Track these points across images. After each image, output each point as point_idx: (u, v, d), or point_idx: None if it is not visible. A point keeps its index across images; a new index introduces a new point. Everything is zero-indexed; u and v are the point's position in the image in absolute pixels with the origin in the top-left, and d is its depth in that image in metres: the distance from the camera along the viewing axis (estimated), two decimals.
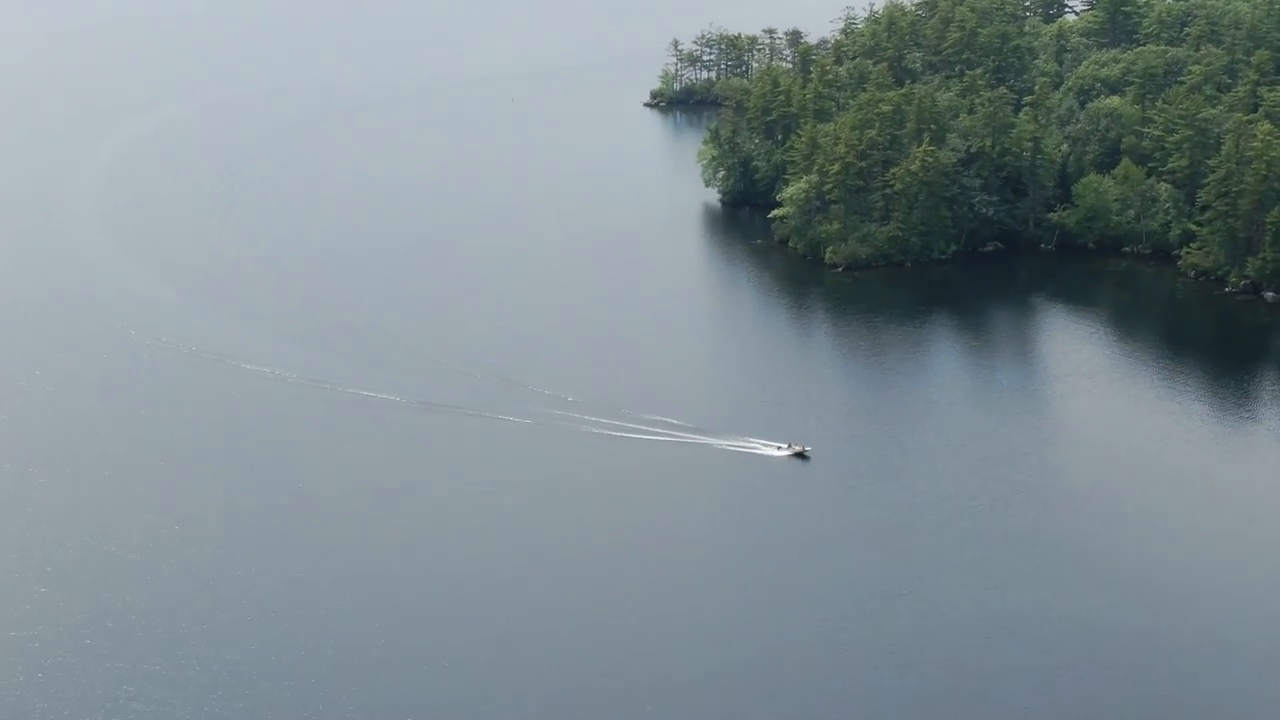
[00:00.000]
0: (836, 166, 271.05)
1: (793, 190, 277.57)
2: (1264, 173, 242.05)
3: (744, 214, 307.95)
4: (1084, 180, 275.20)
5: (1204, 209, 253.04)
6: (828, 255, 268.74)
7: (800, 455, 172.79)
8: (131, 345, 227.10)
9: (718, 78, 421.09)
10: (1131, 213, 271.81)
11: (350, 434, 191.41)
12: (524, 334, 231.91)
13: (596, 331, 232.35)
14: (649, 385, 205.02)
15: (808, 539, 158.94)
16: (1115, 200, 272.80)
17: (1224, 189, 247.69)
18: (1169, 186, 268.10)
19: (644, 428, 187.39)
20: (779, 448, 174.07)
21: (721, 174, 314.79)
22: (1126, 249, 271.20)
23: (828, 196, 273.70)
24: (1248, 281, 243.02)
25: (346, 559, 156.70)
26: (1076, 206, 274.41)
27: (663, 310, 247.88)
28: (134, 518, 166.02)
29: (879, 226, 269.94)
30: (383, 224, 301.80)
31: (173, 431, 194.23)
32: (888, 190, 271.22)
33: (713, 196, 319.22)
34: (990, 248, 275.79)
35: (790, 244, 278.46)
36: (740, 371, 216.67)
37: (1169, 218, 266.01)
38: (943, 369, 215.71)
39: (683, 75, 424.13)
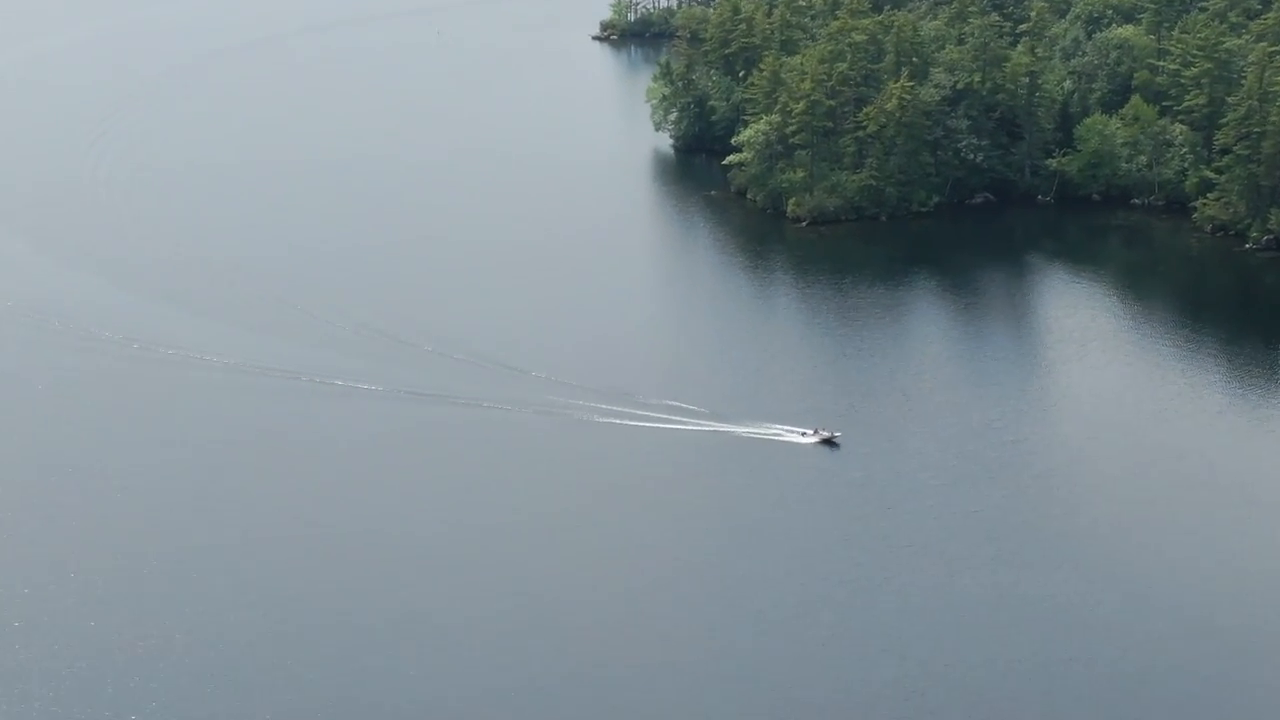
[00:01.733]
0: (801, 105, 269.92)
1: (751, 133, 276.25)
2: None
3: (699, 161, 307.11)
4: (1087, 121, 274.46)
5: (1222, 153, 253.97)
6: (790, 208, 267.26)
7: (829, 442, 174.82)
8: (50, 336, 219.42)
9: (679, 6, 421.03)
10: (1143, 159, 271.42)
11: (331, 430, 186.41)
12: (467, 303, 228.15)
13: (538, 300, 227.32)
14: (604, 359, 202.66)
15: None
16: (1124, 145, 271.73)
17: (1245, 130, 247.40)
18: (1185, 128, 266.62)
19: (603, 407, 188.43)
20: (804, 434, 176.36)
21: (673, 116, 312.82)
22: (1136, 201, 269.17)
23: (791, 140, 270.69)
24: (1271, 237, 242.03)
25: (337, 570, 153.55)
26: (1079, 152, 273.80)
27: (606, 275, 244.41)
28: (80, 549, 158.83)
29: (850, 175, 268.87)
30: (294, 180, 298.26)
31: (126, 439, 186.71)
32: (860, 133, 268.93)
33: (664, 142, 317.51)
34: (979, 199, 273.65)
35: (749, 195, 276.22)
36: (696, 344, 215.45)
37: (1185, 164, 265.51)
38: (924, 338, 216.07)
39: (637, 3, 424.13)
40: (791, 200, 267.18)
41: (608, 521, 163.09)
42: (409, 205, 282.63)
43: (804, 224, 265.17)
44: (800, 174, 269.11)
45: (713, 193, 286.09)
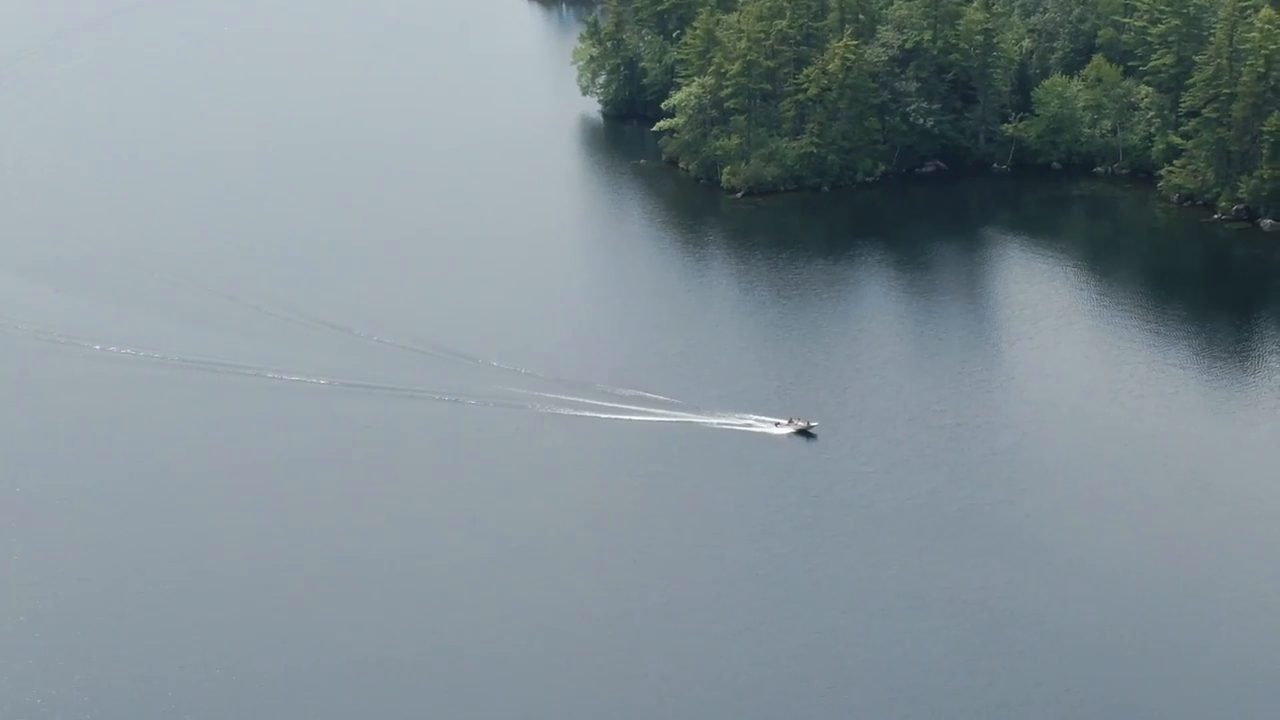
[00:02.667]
0: (737, 66, 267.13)
1: (682, 97, 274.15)
2: (1262, 70, 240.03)
3: (630, 129, 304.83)
4: (1046, 84, 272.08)
5: (1190, 116, 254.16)
6: (724, 177, 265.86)
7: (804, 432, 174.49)
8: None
9: None
10: (1106, 124, 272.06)
11: (282, 427, 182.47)
12: (395, 287, 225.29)
13: (470, 283, 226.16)
14: (551, 345, 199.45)
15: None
16: (1085, 109, 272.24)
17: (1214, 91, 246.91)
18: (1152, 90, 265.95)
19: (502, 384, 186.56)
20: (777, 424, 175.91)
21: (602, 79, 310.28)
22: (1099, 169, 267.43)
23: (726, 105, 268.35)
24: (1241, 206, 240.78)
25: (288, 576, 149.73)
26: (1037, 117, 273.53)
27: (534, 254, 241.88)
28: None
29: (789, 142, 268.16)
30: (195, 152, 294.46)
31: (52, 444, 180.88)
32: (800, 97, 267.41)
33: (593, 107, 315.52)
34: (930, 168, 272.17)
35: (681, 165, 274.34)
36: (640, 328, 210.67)
37: (1152, 129, 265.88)
38: (872, 318, 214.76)
39: None
40: (726, 169, 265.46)
41: (582, 522, 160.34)
42: (327, 183, 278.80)
43: (739, 195, 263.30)
44: (736, 141, 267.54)
45: (642, 161, 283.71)
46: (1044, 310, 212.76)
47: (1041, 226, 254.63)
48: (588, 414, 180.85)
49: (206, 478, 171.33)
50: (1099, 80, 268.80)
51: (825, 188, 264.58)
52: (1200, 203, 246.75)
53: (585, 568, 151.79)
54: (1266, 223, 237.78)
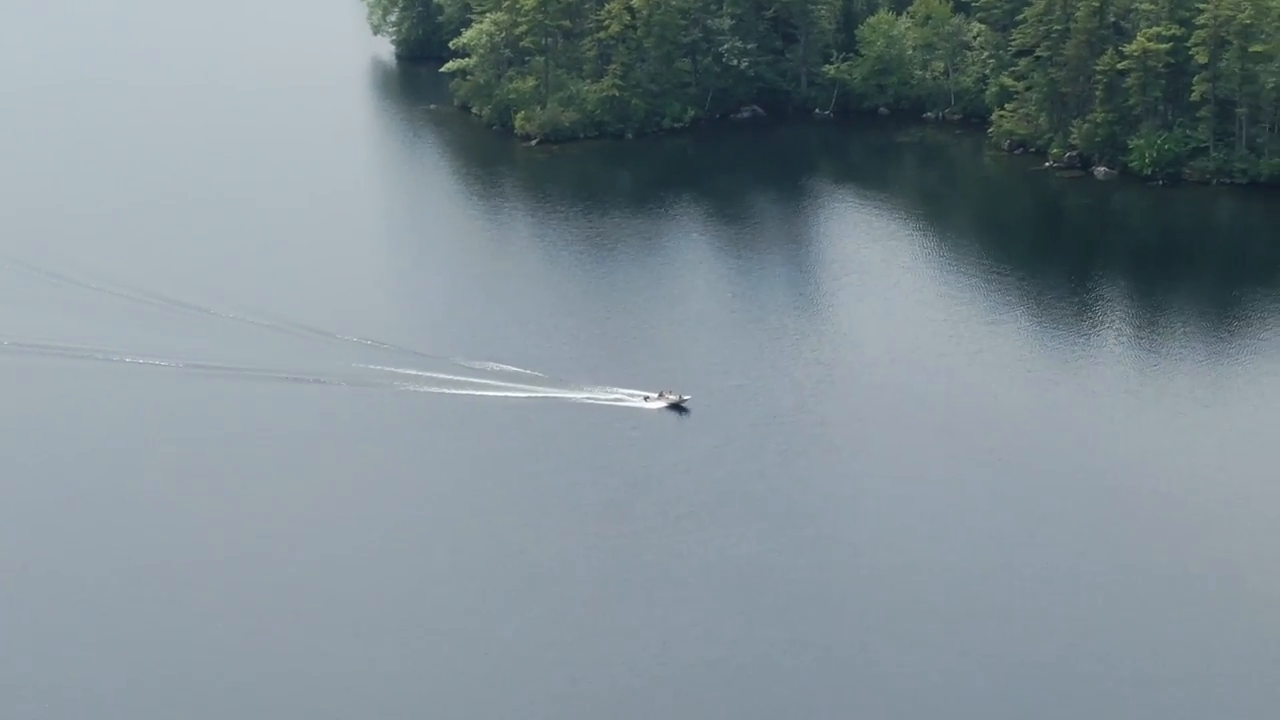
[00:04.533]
0: (533, 1, 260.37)
1: (473, 35, 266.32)
2: (1097, 4, 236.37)
3: (425, 71, 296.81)
4: (871, 21, 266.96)
5: (1021, 55, 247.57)
6: (518, 123, 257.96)
7: (677, 407, 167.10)
8: None
9: None
10: (939, 66, 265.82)
11: (125, 413, 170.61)
12: (188, 248, 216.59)
13: (261, 244, 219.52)
14: (360, 310, 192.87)
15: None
16: (914, 49, 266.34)
17: (1045, 28, 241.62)
18: (985, 29, 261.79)
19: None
20: (647, 398, 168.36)
21: (394, 17, 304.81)
22: (929, 114, 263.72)
23: (522, 44, 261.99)
24: (1074, 153, 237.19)
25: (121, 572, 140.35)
26: (862, 57, 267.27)
27: (318, 209, 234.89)
28: None
29: (591, 85, 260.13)
30: None
31: None
32: (602, 35, 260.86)
33: (385, 48, 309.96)
34: (746, 113, 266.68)
35: (474, 109, 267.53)
36: (450, 291, 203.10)
37: (986, 71, 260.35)
38: (688, 277, 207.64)
39: None
40: (520, 115, 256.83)
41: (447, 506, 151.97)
42: (101, 138, 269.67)
43: (534, 143, 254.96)
44: (531, 84, 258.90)
45: (432, 107, 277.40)
46: (869, 267, 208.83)
47: (867, 176, 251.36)
48: (449, 390, 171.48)
49: (32, 470, 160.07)
50: (928, 18, 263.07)
51: (629, 135, 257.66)
52: (1032, 150, 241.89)
53: (433, 555, 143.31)
54: (1100, 170, 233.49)
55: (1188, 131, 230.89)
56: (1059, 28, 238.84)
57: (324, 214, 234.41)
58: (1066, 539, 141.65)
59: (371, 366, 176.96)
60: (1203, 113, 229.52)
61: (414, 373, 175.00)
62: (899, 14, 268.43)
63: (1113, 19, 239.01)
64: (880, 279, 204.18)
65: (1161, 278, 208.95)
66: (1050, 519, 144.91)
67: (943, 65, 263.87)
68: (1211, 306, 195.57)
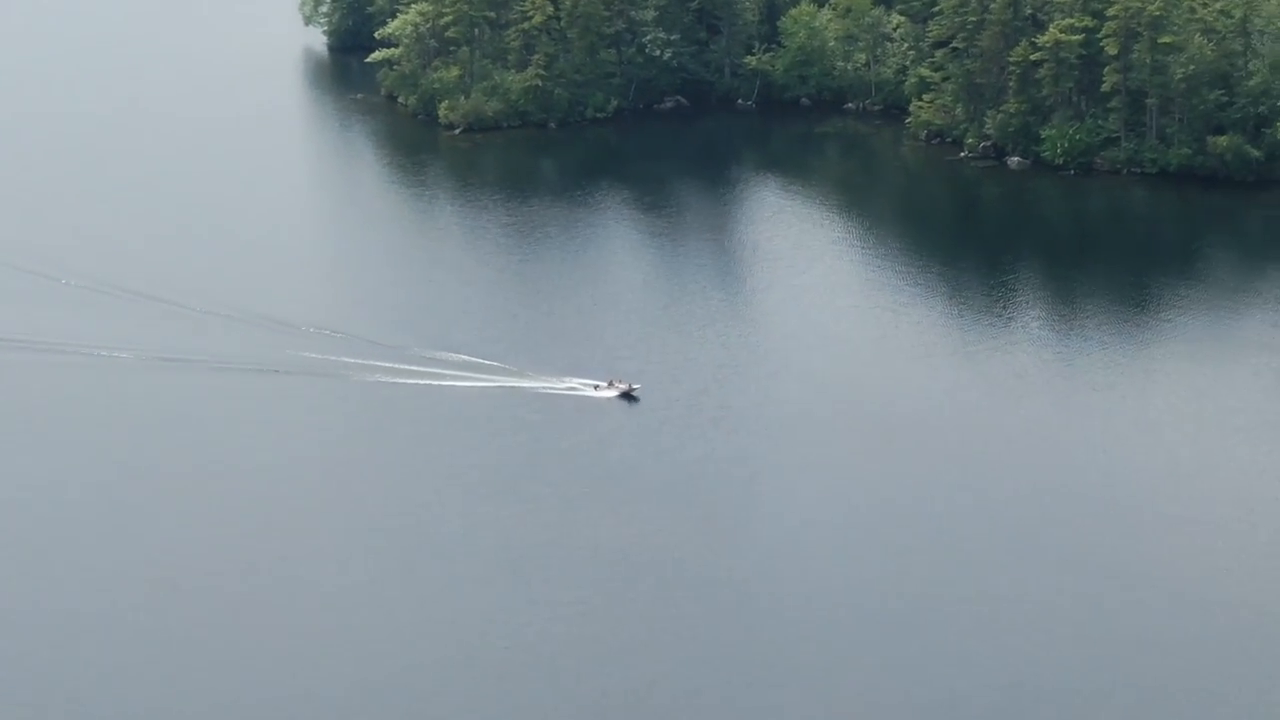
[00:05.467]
0: None
1: (399, 25, 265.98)
2: None
3: (355, 62, 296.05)
4: (793, 12, 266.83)
5: (938, 47, 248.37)
6: (442, 113, 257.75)
7: (628, 395, 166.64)
8: None
9: None
10: (861, 58, 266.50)
11: (85, 409, 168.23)
12: (119, 232, 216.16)
13: (183, 229, 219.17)
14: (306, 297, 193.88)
15: None
16: (836, 41, 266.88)
17: (961, 19, 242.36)
18: (905, 20, 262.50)
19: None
20: (597, 386, 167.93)
21: (325, 7, 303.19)
22: (850, 105, 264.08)
23: (446, 34, 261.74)
24: (989, 143, 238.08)
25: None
26: (784, 48, 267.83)
27: (240, 197, 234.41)
28: None
29: (515, 75, 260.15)
30: None
31: None
32: (526, 25, 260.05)
33: (317, 39, 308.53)
34: (669, 104, 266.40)
35: (400, 99, 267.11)
36: (389, 278, 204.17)
37: (906, 62, 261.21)
38: (611, 264, 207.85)
39: None
40: (444, 104, 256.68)
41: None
42: (32, 133, 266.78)
43: (458, 131, 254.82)
44: (455, 73, 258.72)
45: (359, 96, 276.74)
46: (789, 255, 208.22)
47: (788, 166, 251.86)
48: (402, 380, 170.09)
49: None
50: (849, 10, 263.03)
51: (552, 125, 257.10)
52: (949, 140, 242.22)
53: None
54: (1014, 160, 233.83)
55: (1099, 122, 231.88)
56: (974, 19, 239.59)
57: (251, 203, 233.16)
58: (949, 514, 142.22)
59: (304, 354, 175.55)
60: (1114, 103, 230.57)
61: (347, 360, 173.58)
62: (821, 6, 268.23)
63: (1029, 11, 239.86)
64: (799, 267, 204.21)
65: (1071, 266, 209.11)
66: (934, 497, 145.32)
67: (864, 57, 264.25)
68: (1119, 294, 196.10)
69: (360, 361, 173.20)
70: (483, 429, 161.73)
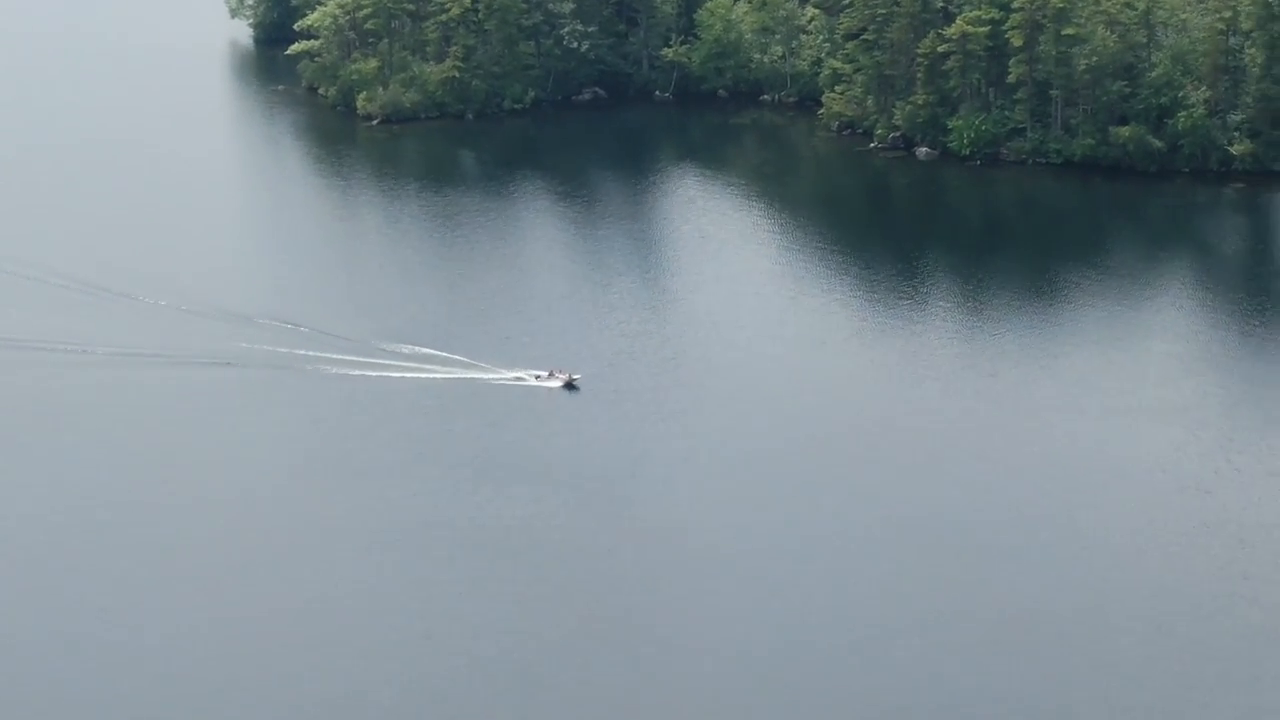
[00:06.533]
0: None
1: (318, 17, 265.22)
2: None
3: (280, 54, 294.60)
4: (709, 5, 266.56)
5: (849, 39, 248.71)
6: (360, 104, 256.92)
7: (570, 385, 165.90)
8: None
9: None
10: (778, 50, 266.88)
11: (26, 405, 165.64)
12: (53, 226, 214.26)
13: (106, 219, 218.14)
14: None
15: None
16: (752, 33, 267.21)
17: (871, 11, 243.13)
18: (819, 13, 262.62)
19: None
20: (538, 376, 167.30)
21: (250, 0, 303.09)
22: (766, 96, 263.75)
23: (365, 25, 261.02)
24: (898, 134, 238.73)
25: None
26: (701, 41, 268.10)
27: (158, 188, 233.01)
28: None
29: (433, 67, 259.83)
30: None
31: None
32: (443, 17, 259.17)
33: (243, 31, 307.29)
34: (587, 96, 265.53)
35: (320, 91, 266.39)
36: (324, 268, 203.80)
37: (821, 55, 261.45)
38: (532, 253, 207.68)
39: None
40: (362, 95, 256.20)
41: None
42: None
43: (375, 123, 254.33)
44: (374, 65, 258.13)
45: (280, 88, 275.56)
46: (703, 244, 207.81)
47: (704, 157, 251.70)
48: (356, 371, 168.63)
49: None
50: (765, 2, 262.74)
51: (470, 116, 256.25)
52: (860, 131, 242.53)
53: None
54: (922, 150, 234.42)
55: (1006, 113, 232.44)
56: (884, 12, 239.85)
57: (171, 196, 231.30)
58: (840, 496, 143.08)
59: (237, 345, 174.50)
60: (1020, 94, 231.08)
61: (276, 349, 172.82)
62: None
63: (939, 4, 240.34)
64: (711, 256, 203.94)
65: (976, 254, 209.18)
66: (821, 480, 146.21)
67: (780, 50, 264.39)
68: (1020, 282, 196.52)
69: (292, 351, 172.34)
70: (398, 415, 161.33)
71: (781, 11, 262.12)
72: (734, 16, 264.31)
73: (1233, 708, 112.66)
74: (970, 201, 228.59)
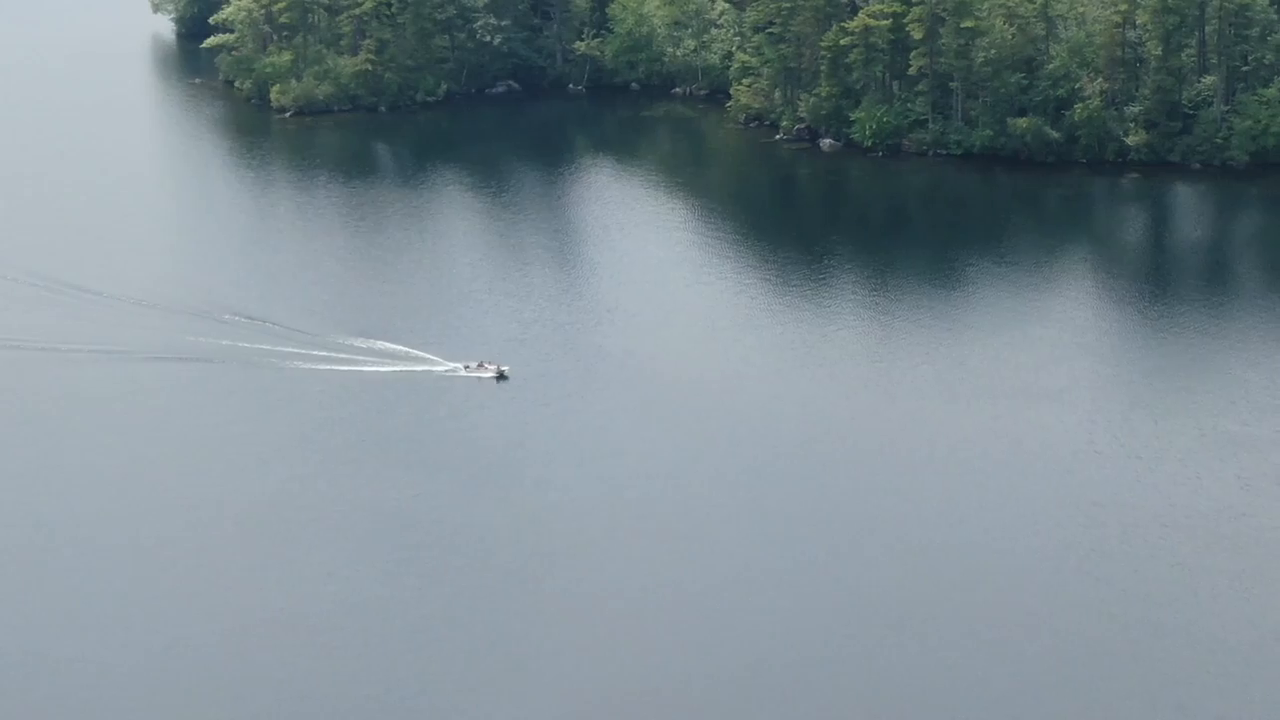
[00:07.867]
0: None
1: (233, 11, 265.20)
2: None
3: (201, 48, 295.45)
4: None
5: (756, 32, 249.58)
6: (274, 97, 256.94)
7: (502, 376, 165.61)
8: None
9: None
10: (689, 43, 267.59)
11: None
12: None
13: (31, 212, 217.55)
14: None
15: None
16: (664, 27, 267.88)
17: (777, 5, 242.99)
18: (729, 7, 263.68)
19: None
20: (467, 367, 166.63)
21: None
22: (678, 89, 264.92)
23: (280, 19, 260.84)
24: (803, 126, 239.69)
25: None
26: (614, 34, 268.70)
27: (79, 181, 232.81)
28: None
29: (346, 60, 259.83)
30: None
31: None
32: (357, 11, 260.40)
33: (165, 25, 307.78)
34: (500, 88, 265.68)
35: (236, 84, 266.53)
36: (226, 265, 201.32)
37: (731, 48, 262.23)
38: (446, 244, 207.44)
39: None
40: (275, 88, 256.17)
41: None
42: None
43: (288, 115, 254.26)
44: (287, 58, 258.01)
45: (197, 81, 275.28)
46: (611, 236, 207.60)
47: (616, 149, 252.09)
48: (282, 363, 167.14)
49: None
50: None
51: (382, 108, 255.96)
52: (767, 123, 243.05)
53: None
54: (826, 142, 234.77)
55: (908, 105, 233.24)
56: (789, 5, 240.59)
57: (86, 188, 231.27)
58: (714, 483, 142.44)
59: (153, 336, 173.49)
60: (921, 87, 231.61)
61: (198, 340, 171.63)
62: None
63: None
64: (619, 246, 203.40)
65: (877, 243, 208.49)
66: (702, 465, 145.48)
67: (692, 43, 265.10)
68: (920, 271, 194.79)
69: (214, 342, 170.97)
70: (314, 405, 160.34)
71: (693, 5, 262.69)
72: (646, 10, 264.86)
73: (1073, 681, 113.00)
74: (873, 192, 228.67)
